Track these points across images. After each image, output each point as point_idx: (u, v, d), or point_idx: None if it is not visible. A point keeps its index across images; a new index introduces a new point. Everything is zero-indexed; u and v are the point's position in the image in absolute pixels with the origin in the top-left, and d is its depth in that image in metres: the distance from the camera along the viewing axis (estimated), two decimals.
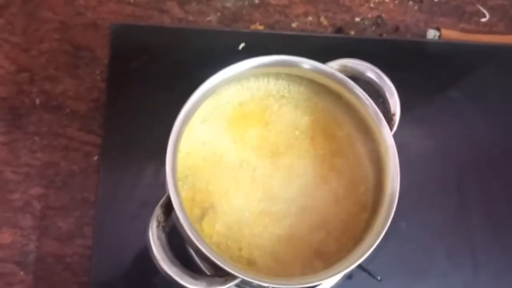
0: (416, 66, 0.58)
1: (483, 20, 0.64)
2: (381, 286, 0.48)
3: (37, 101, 0.56)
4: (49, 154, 0.54)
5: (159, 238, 0.35)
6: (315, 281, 0.35)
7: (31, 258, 0.51)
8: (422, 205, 0.53)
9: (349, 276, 0.49)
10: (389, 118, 0.40)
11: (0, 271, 0.51)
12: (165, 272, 0.35)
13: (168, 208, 0.36)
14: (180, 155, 0.39)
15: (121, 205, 0.51)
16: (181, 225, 0.35)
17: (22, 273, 0.51)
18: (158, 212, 0.36)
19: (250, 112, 0.42)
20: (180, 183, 0.39)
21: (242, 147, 0.41)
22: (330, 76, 0.40)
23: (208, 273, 0.44)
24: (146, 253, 0.48)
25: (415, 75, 0.57)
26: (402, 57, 0.58)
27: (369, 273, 0.45)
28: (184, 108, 0.38)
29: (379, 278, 0.45)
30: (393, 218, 0.38)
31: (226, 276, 0.35)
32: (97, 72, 0.57)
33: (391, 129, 0.39)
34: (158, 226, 0.35)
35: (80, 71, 0.57)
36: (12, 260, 0.51)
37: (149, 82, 0.55)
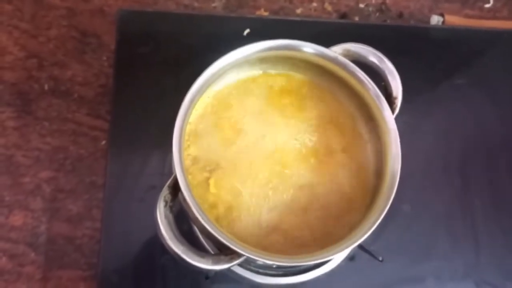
0: (420, 52, 0.58)
1: (487, 6, 0.64)
2: (383, 267, 0.49)
3: (46, 87, 0.57)
4: (58, 138, 0.55)
5: (166, 217, 0.36)
6: (318, 259, 0.36)
7: (42, 239, 0.53)
8: (426, 188, 0.54)
9: (351, 258, 0.50)
10: (391, 102, 0.40)
11: (12, 252, 0.52)
12: (172, 250, 0.35)
13: (175, 188, 0.37)
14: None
15: (129, 189, 0.52)
16: (187, 204, 0.36)
17: (33, 254, 0.52)
18: (165, 192, 0.37)
19: (254, 93, 0.43)
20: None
21: (246, 125, 0.42)
22: (333, 60, 0.40)
23: (213, 253, 0.45)
24: (153, 234, 0.49)
25: (419, 60, 0.58)
26: (406, 43, 0.59)
27: (371, 254, 0.46)
28: (190, 91, 0.39)
29: (380, 258, 0.46)
30: (397, 201, 0.38)
31: (231, 254, 0.36)
32: (104, 58, 0.58)
33: (393, 112, 0.40)
34: (165, 205, 0.36)
35: (87, 57, 0.58)
36: (24, 241, 0.52)
37: (155, 68, 0.56)
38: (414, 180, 0.53)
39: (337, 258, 0.49)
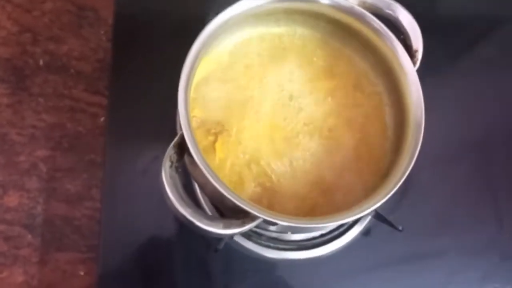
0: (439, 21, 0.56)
1: None
2: (399, 241, 0.46)
3: (41, 62, 0.54)
4: (54, 115, 0.53)
5: (172, 178, 0.33)
6: (338, 220, 0.33)
7: (38, 220, 0.50)
8: (445, 158, 0.51)
9: (366, 232, 0.48)
10: (411, 55, 0.37)
11: (7, 234, 0.49)
12: (180, 213, 0.32)
13: (181, 148, 0.34)
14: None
15: (129, 166, 0.49)
16: (195, 164, 0.33)
17: (30, 236, 0.49)
18: (171, 152, 0.34)
19: (262, 51, 0.40)
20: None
21: (253, 85, 0.40)
22: (348, 10, 0.38)
23: None
24: (157, 212, 0.47)
25: (438, 30, 0.55)
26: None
27: (391, 224, 0.43)
28: (196, 42, 0.36)
29: (400, 228, 0.43)
30: (415, 170, 0.36)
31: (243, 218, 0.33)
32: (102, 32, 0.56)
33: (414, 65, 0.37)
34: (171, 166, 0.33)
35: (84, 31, 0.56)
36: (20, 223, 0.50)
37: (154, 41, 0.53)
38: (434, 151, 0.49)
39: (352, 231, 0.47)
